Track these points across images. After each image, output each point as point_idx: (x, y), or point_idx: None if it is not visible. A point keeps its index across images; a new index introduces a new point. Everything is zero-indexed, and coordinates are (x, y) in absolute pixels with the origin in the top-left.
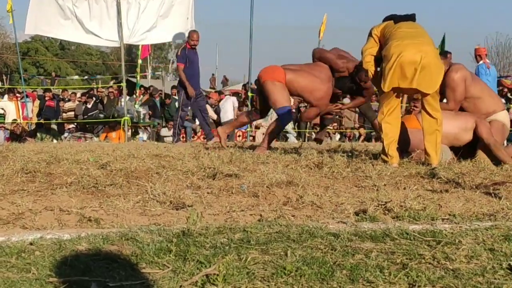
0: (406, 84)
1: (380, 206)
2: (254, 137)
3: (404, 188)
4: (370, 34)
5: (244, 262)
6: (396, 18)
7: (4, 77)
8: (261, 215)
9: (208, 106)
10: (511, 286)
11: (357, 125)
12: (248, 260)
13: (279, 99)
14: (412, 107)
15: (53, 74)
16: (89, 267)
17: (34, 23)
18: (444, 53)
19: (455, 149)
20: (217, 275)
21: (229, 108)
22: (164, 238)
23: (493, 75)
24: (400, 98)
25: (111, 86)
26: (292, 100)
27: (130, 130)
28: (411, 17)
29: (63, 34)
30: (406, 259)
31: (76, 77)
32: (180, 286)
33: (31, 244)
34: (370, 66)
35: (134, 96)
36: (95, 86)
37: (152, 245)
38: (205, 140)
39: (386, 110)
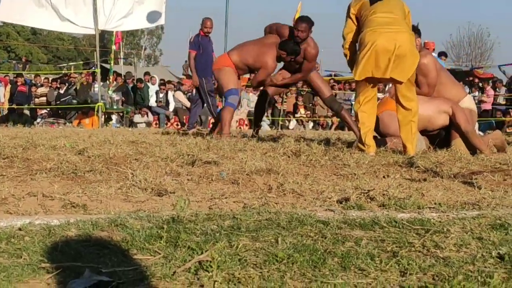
0: (380, 74)
1: (362, 194)
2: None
3: (384, 177)
4: (348, 14)
5: (235, 249)
6: None
7: None
8: (244, 203)
9: (180, 93)
10: (501, 274)
11: (330, 113)
12: (239, 247)
13: (225, 83)
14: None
15: (24, 58)
16: (80, 253)
17: (8, 10)
18: (417, 31)
19: (431, 138)
20: (210, 261)
21: None
22: (154, 225)
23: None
24: (376, 87)
25: (83, 72)
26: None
27: (103, 116)
28: None
29: (38, 22)
30: (396, 247)
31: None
32: (174, 272)
33: (20, 229)
34: (349, 52)
35: (108, 82)
36: (67, 72)
37: (142, 231)
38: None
39: (362, 99)
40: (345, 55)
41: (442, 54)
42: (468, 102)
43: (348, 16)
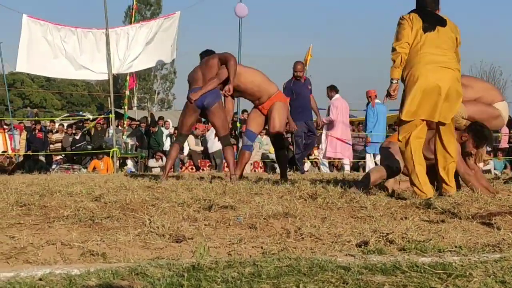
0: (426, 116)
1: (381, 237)
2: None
3: (401, 219)
4: (400, 26)
5: None
6: (426, 18)
7: None
8: (262, 248)
9: (192, 137)
10: None
11: None
12: None
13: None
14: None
15: (35, 111)
16: None
17: (25, 61)
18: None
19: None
20: None
21: (216, 139)
22: (174, 273)
23: (383, 112)
24: (423, 124)
25: (98, 118)
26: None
27: (118, 161)
28: (441, 21)
29: (55, 72)
30: None
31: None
32: None
33: (40, 279)
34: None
35: (121, 127)
36: (82, 118)
37: (163, 280)
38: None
39: (404, 136)
40: (393, 60)
41: None
42: (501, 106)
43: (401, 27)
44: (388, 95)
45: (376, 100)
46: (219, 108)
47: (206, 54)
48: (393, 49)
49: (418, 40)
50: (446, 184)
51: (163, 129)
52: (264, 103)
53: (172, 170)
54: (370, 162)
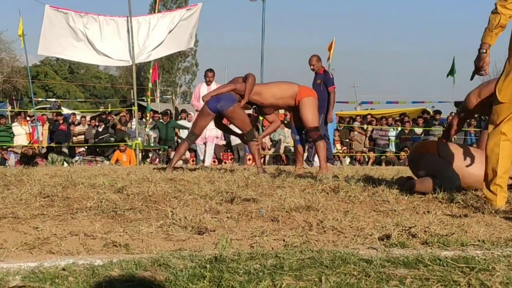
0: None
1: (404, 231)
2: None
3: (424, 213)
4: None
5: None
6: None
7: (14, 101)
8: (284, 241)
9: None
10: None
11: (366, 149)
12: (283, 287)
13: None
14: None
15: (58, 102)
16: None
17: (46, 44)
18: None
19: None
20: None
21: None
22: (197, 264)
23: None
24: None
25: (121, 111)
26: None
27: (141, 154)
28: None
29: (76, 55)
30: (441, 285)
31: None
32: None
33: (63, 269)
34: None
35: (144, 119)
36: (105, 110)
37: (185, 271)
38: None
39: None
40: (489, 21)
41: None
42: None
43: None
44: (476, 70)
45: None
46: (233, 112)
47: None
48: (495, 7)
49: None
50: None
51: (185, 121)
52: (294, 105)
53: (194, 163)
54: None
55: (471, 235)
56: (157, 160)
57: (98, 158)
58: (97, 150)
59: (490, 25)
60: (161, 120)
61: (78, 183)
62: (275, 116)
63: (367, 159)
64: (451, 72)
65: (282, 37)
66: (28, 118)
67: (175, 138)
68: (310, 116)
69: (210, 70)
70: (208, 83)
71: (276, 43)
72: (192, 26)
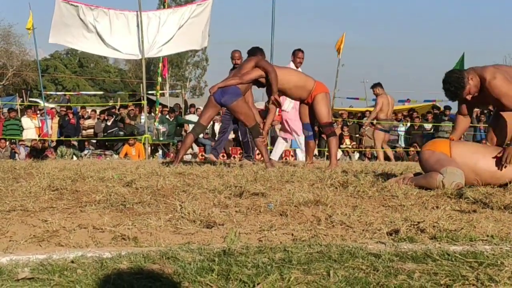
0: None
1: (412, 226)
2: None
3: (433, 208)
4: None
5: (287, 282)
6: None
7: (24, 95)
8: (293, 235)
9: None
10: None
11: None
12: (291, 280)
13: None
14: None
15: (68, 96)
16: (133, 286)
17: (57, 33)
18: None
19: None
20: None
21: None
22: (205, 257)
23: None
24: None
25: (131, 105)
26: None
27: (150, 148)
28: None
29: (86, 46)
30: (450, 280)
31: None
32: None
33: (72, 262)
34: None
35: (153, 114)
36: (114, 104)
37: (193, 264)
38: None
39: None
40: None
41: None
42: None
43: None
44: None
45: None
46: (237, 106)
47: (251, 53)
48: None
49: None
50: None
51: (195, 116)
52: (306, 100)
53: (203, 157)
54: None
55: (479, 230)
56: (172, 155)
57: (107, 152)
58: (106, 144)
59: None
60: (167, 116)
61: (87, 176)
62: (271, 105)
63: (376, 155)
64: (460, 67)
65: (291, 32)
66: (38, 112)
67: (183, 133)
68: (325, 112)
69: (300, 50)
70: (298, 64)
71: (286, 37)
72: (204, 23)
